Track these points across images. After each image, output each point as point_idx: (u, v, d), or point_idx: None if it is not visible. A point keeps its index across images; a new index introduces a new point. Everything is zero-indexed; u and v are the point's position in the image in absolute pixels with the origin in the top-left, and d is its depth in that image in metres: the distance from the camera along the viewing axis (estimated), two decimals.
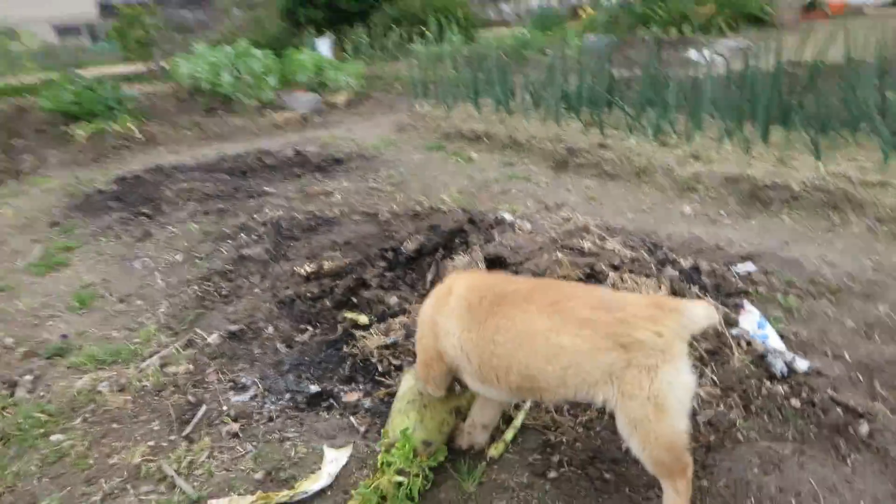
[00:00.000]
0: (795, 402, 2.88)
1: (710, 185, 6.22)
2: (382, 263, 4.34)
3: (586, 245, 3.79)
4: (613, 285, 3.26)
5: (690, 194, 6.25)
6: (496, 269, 3.71)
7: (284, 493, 2.54)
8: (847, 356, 3.27)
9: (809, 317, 3.69)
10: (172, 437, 3.06)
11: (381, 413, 3.08)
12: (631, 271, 3.36)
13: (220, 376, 3.53)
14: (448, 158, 8.52)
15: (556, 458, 2.68)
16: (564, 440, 2.78)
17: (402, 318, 3.63)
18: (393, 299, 3.88)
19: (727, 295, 3.73)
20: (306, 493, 2.56)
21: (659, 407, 2.13)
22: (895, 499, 2.40)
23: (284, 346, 3.82)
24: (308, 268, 4.73)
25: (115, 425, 3.14)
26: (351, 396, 3.24)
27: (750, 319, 3.34)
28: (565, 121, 8.89)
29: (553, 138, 8.31)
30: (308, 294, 4.35)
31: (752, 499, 2.41)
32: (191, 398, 3.34)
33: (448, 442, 2.71)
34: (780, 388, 2.96)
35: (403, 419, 2.58)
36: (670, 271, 3.54)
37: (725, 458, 2.62)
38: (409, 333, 3.48)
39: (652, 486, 2.54)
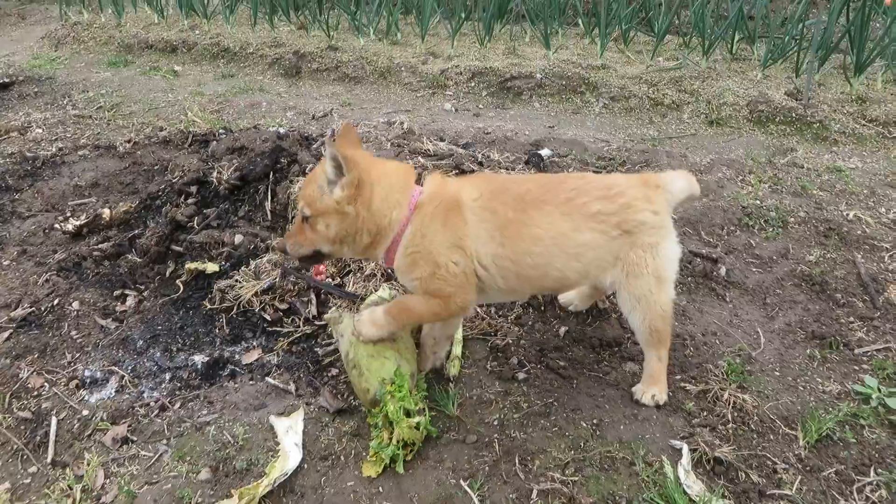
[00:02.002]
0: None
1: (459, 80, 6.45)
2: (190, 201, 3.63)
3: (429, 147, 3.67)
4: None
5: (443, 91, 6.42)
6: None
7: (264, 483, 2.10)
8: None
9: None
10: (33, 470, 2.26)
11: (296, 365, 2.69)
12: (504, 169, 3.37)
13: (47, 376, 2.66)
14: (147, 75, 7.28)
15: (514, 360, 2.68)
16: (509, 341, 2.78)
17: (269, 256, 3.13)
18: (237, 238, 3.30)
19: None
20: (286, 473, 2.15)
21: (660, 280, 2.26)
22: (769, 319, 2.98)
23: (110, 320, 3.01)
24: (75, 221, 3.74)
25: None
26: (249, 356, 2.75)
27: None
28: (274, 24, 8.23)
29: (271, 44, 7.66)
30: (97, 253, 3.46)
31: (690, 347, 2.76)
32: (24, 414, 2.47)
33: None
34: None
35: (383, 362, 2.29)
36: (530, 161, 3.65)
37: None
38: (285, 273, 3.03)
39: (601, 361, 2.72)
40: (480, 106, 6.09)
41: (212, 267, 3.17)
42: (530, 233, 2.18)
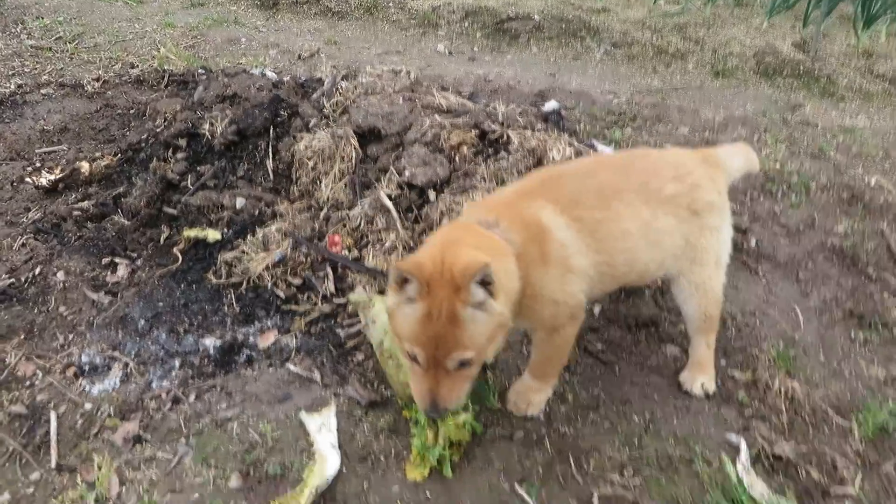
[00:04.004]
0: None
1: (451, 19, 6.06)
2: (180, 156, 3.29)
3: (441, 101, 3.39)
4: (521, 145, 3.00)
5: (435, 31, 6.02)
6: (369, 144, 3.10)
7: (305, 494, 1.92)
8: None
9: (636, 144, 3.99)
10: (35, 476, 2.03)
11: (317, 349, 2.48)
12: (524, 127, 3.13)
13: (39, 362, 2.39)
14: (108, 1, 6.63)
15: None
16: None
17: (278, 225, 2.85)
18: (238, 201, 3.01)
19: (572, 134, 3.78)
20: (327, 481, 1.97)
21: (718, 265, 2.15)
22: (804, 296, 2.88)
23: (102, 293, 2.73)
24: (49, 175, 3.37)
25: None
26: (265, 339, 2.52)
27: None
28: None
29: None
30: (77, 213, 3.13)
31: (732, 329, 2.64)
32: (18, 409, 2.22)
33: None
34: None
35: None
36: (547, 121, 3.41)
37: None
38: (296, 243, 2.77)
39: (639, 343, 2.59)
40: (476, 49, 5.74)
41: (213, 235, 2.89)
42: (619, 228, 1.98)
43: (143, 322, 2.56)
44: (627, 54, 5.50)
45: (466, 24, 6.02)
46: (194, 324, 2.57)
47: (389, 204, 2.81)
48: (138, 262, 2.90)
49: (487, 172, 2.87)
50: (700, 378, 2.34)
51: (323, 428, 2.14)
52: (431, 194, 2.86)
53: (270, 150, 3.22)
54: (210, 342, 2.47)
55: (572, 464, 2.08)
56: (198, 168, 3.23)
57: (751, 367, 2.46)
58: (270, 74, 4.22)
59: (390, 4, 6.29)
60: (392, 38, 5.90)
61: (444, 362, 1.69)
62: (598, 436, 2.18)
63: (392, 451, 2.12)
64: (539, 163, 2.98)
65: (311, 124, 3.24)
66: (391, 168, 2.92)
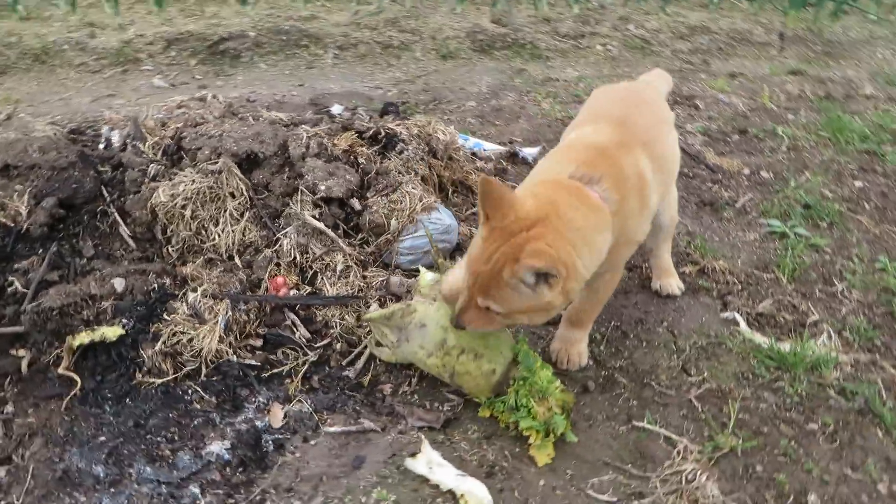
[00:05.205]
0: None
1: (153, 51, 5.40)
2: None
3: (281, 116, 3.08)
4: (410, 134, 2.89)
5: (138, 66, 5.28)
6: (251, 171, 2.65)
7: None
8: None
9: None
10: None
11: (337, 402, 2.12)
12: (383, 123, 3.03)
13: None
14: None
15: None
16: None
17: (194, 295, 2.28)
18: (116, 283, 2.30)
19: None
20: None
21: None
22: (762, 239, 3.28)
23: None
24: None
25: None
26: (275, 416, 2.05)
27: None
28: None
29: None
30: None
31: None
32: None
33: None
34: None
35: (493, 337, 2.00)
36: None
37: None
38: (235, 302, 2.28)
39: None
40: (198, 76, 5.21)
41: (112, 332, 2.17)
42: (672, 159, 2.19)
43: (99, 469, 1.84)
44: (356, 54, 5.60)
45: (174, 54, 5.42)
46: (173, 439, 1.94)
47: (320, 225, 2.49)
48: (9, 409, 2.05)
49: (399, 166, 2.73)
50: (672, 280, 2.63)
51: (432, 465, 1.86)
52: (355, 203, 2.61)
53: (118, 214, 2.54)
54: (216, 448, 1.91)
55: (652, 384, 2.18)
56: (15, 266, 2.39)
57: (688, 260, 2.84)
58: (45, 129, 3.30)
59: (66, 48, 5.31)
60: (89, 84, 5.00)
61: (475, 295, 1.77)
62: (647, 356, 2.32)
63: (505, 451, 1.94)
64: (429, 147, 2.93)
65: (152, 172, 2.64)
66: (300, 188, 2.57)
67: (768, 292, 2.68)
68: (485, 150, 3.59)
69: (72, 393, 2.07)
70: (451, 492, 1.79)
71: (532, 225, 1.71)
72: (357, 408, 2.09)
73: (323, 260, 2.46)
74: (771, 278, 2.78)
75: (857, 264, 2.88)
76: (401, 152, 2.80)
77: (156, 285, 2.34)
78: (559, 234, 1.72)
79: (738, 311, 2.54)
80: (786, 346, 2.34)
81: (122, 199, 2.59)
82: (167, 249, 2.55)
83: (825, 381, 2.22)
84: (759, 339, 2.40)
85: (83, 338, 2.16)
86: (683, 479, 1.86)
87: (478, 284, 1.76)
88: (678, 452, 1.94)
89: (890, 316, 2.58)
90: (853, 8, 7.04)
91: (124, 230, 2.53)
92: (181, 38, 5.46)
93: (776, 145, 4.05)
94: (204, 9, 6.09)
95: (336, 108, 4.17)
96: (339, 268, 2.44)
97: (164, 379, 2.09)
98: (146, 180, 2.63)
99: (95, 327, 2.20)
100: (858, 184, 3.60)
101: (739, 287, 2.70)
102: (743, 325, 2.48)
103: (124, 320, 2.24)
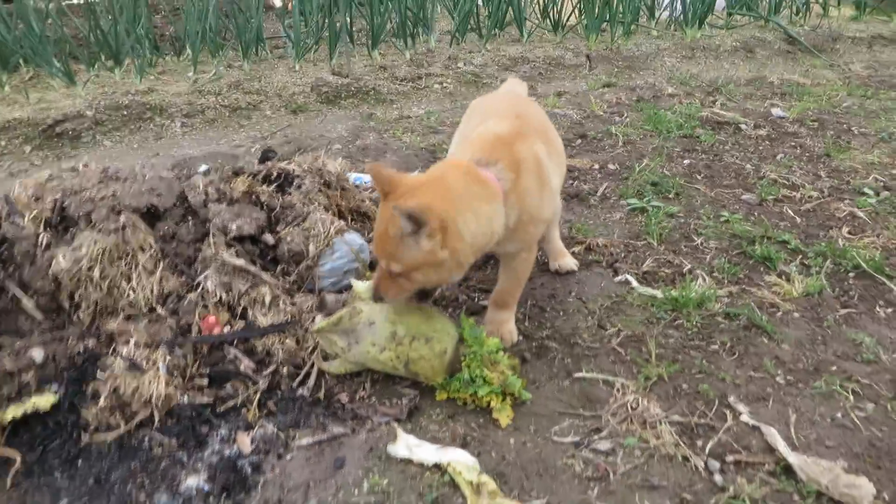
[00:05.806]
0: None
1: None
2: None
3: (164, 174, 3.07)
4: (304, 170, 2.99)
5: None
6: (154, 224, 2.62)
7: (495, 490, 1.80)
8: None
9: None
10: None
11: (299, 419, 2.16)
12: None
13: None
14: None
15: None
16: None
17: (127, 347, 2.22)
18: (35, 354, 2.18)
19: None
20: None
21: None
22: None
23: None
24: None
25: None
26: (243, 442, 2.04)
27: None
28: None
29: None
30: None
31: None
32: None
33: None
34: None
35: (437, 322, 2.18)
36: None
37: None
38: (172, 347, 2.25)
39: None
40: (36, 161, 4.92)
41: (45, 400, 2.05)
42: (558, 150, 2.49)
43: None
44: (205, 119, 5.57)
45: (3, 143, 5.06)
46: (143, 485, 1.88)
47: (240, 261, 2.52)
48: None
49: (301, 199, 2.83)
50: (567, 259, 2.95)
51: (413, 447, 1.96)
52: (269, 238, 2.67)
53: (17, 288, 2.40)
54: (193, 482, 1.87)
55: (578, 342, 2.45)
56: None
57: (574, 241, 3.19)
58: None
59: None
60: None
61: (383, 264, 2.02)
62: (566, 322, 2.58)
63: (471, 424, 2.09)
64: (322, 179, 3.06)
65: (44, 242, 2.53)
66: (211, 231, 2.58)
67: (646, 255, 3.09)
68: (366, 182, 3.77)
69: (13, 470, 1.92)
70: (437, 465, 1.90)
71: (416, 189, 1.96)
72: (321, 420, 2.14)
73: (249, 294, 2.48)
74: (644, 244, 3.20)
75: (707, 221, 3.39)
76: (299, 186, 2.91)
77: (81, 347, 2.25)
78: (436, 193, 1.96)
79: (628, 274, 2.90)
80: (674, 293, 2.71)
81: (16, 273, 2.44)
82: (77, 315, 2.44)
83: (712, 312, 2.62)
84: (652, 291, 2.77)
85: (13, 411, 2.03)
86: (629, 408, 2.12)
87: (378, 249, 2.00)
88: (618, 389, 2.21)
89: (743, 255, 3.08)
90: (639, 27, 8.20)
91: (27, 303, 2.39)
92: (9, 126, 5.12)
93: (614, 142, 4.63)
94: (27, 96, 5.75)
95: (202, 168, 4.18)
96: (267, 299, 2.47)
97: (118, 432, 2.01)
98: (38, 251, 2.51)
99: (24, 399, 2.07)
100: (686, 161, 4.23)
101: (623, 255, 3.09)
102: (635, 283, 2.83)
103: (54, 387, 2.12)
